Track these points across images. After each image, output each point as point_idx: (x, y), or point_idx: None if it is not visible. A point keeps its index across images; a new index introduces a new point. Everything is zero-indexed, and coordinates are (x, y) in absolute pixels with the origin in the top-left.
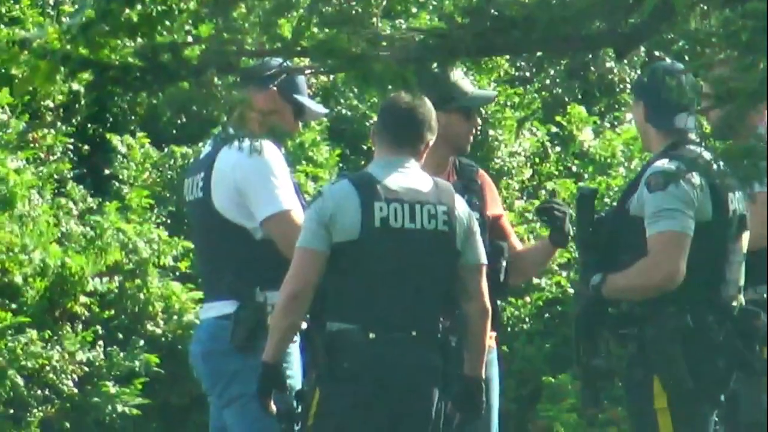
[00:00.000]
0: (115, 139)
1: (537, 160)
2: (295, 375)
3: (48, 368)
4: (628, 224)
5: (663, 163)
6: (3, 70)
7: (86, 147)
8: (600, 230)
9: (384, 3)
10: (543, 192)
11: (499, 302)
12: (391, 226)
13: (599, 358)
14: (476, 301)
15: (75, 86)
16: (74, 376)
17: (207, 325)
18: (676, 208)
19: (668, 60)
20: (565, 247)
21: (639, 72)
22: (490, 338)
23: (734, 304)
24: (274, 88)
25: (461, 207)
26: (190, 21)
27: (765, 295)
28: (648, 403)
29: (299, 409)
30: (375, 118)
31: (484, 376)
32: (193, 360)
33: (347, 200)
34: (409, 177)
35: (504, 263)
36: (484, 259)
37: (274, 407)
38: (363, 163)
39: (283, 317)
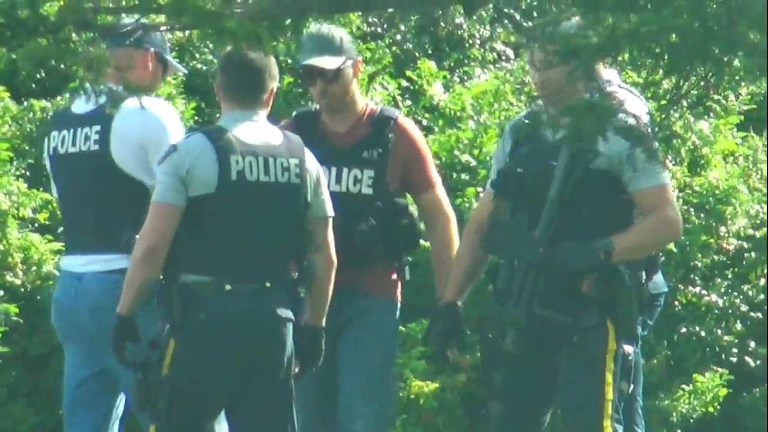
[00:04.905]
0: None
1: None
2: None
3: None
4: (591, 178)
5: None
6: None
7: None
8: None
9: None
10: None
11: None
12: (247, 180)
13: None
14: (322, 253)
15: None
16: None
17: (97, 279)
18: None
19: (516, 17)
20: None
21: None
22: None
23: None
24: (153, 50)
25: (311, 160)
26: None
27: None
28: (602, 346)
29: (154, 359)
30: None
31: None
32: (68, 311)
33: (203, 154)
34: (260, 130)
35: (406, 221)
36: (330, 212)
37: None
38: (218, 116)
39: (140, 271)
